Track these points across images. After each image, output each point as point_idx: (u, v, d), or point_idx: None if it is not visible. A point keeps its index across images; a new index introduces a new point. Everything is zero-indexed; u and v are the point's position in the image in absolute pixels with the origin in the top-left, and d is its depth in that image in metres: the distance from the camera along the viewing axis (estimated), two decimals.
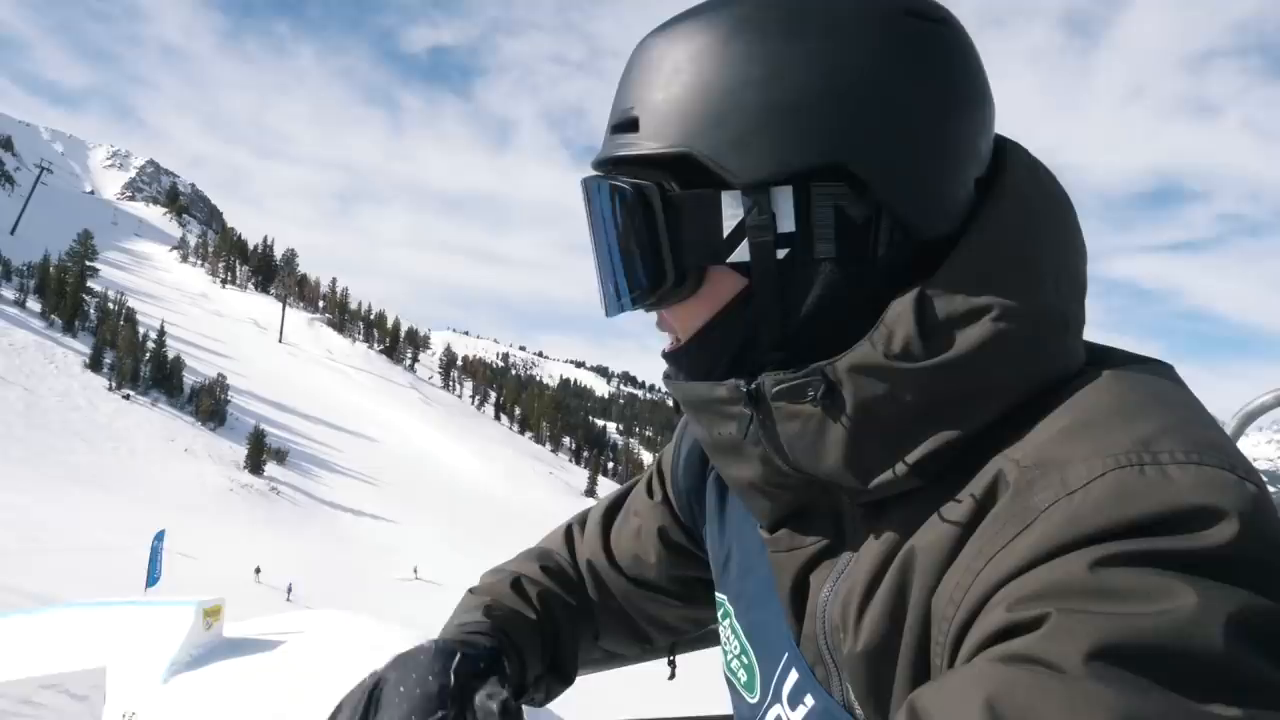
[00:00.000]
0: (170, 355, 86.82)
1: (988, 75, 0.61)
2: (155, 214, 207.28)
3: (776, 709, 0.69)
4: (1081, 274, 0.60)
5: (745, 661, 0.75)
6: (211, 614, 18.68)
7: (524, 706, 0.77)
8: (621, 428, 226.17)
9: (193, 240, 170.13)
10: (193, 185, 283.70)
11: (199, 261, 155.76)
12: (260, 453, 72.29)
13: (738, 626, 0.77)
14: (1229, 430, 1.48)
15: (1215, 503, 0.45)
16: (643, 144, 0.61)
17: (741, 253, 0.59)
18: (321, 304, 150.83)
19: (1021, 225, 0.58)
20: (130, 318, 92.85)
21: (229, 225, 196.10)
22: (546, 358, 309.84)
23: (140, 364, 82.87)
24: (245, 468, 71.22)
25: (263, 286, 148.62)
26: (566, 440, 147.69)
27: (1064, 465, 0.49)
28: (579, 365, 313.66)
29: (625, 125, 0.62)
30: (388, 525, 67.67)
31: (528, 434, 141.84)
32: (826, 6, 0.58)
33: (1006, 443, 0.54)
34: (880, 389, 0.55)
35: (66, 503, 47.11)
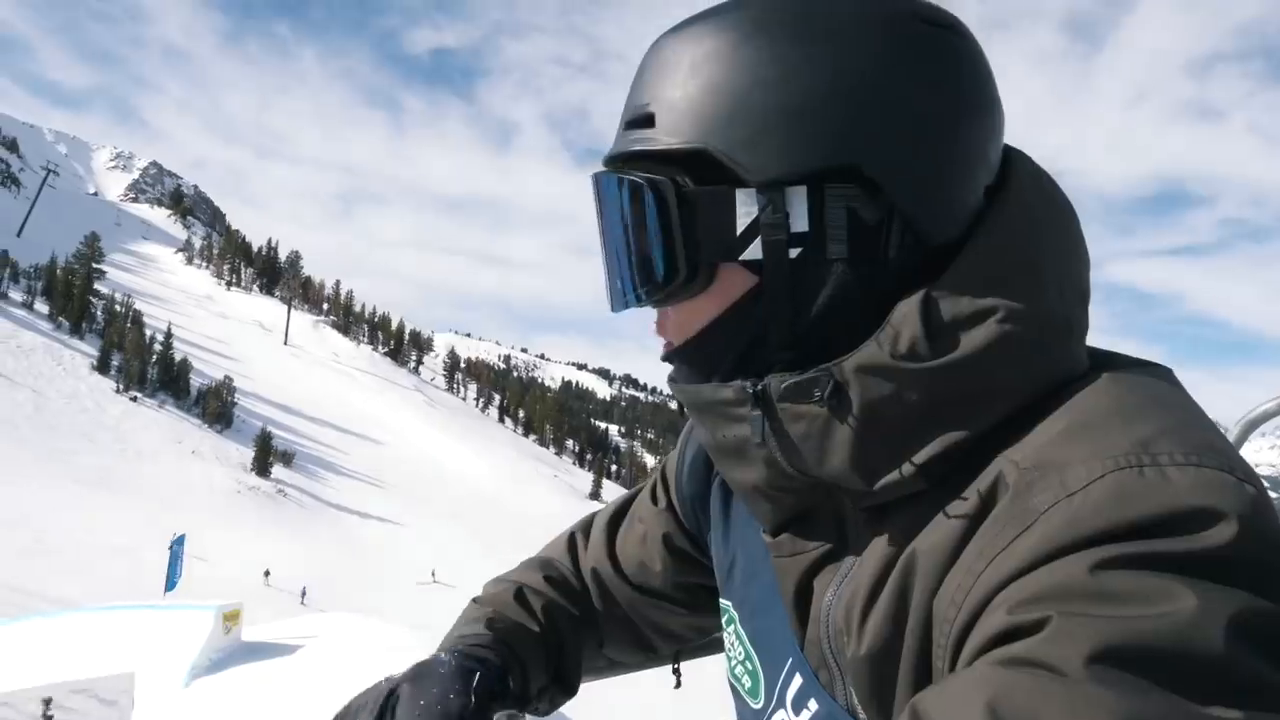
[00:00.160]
0: (177, 358, 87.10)
1: (996, 82, 0.62)
2: (160, 216, 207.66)
3: (781, 714, 0.69)
4: (1084, 281, 0.61)
5: (749, 667, 0.75)
6: (230, 618, 18.87)
7: (528, 718, 0.77)
8: (623, 430, 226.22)
9: (197, 242, 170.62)
10: (195, 187, 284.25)
11: (204, 264, 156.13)
12: (267, 455, 72.50)
13: (742, 632, 0.77)
14: (1232, 437, 1.61)
15: (1214, 504, 0.45)
16: (659, 139, 0.61)
17: (754, 251, 0.60)
18: (326, 306, 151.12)
19: (1026, 231, 0.59)
20: (137, 320, 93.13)
21: (233, 228, 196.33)
22: (548, 360, 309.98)
23: (147, 366, 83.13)
24: (252, 470, 71.44)
25: (267, 289, 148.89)
26: (570, 443, 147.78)
27: (1063, 467, 0.49)
28: (580, 367, 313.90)
29: (640, 121, 0.63)
30: (394, 528, 67.84)
31: (531, 436, 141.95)
32: (842, 11, 0.59)
33: (1008, 446, 0.54)
34: (886, 389, 0.56)
35: (75, 504, 47.29)
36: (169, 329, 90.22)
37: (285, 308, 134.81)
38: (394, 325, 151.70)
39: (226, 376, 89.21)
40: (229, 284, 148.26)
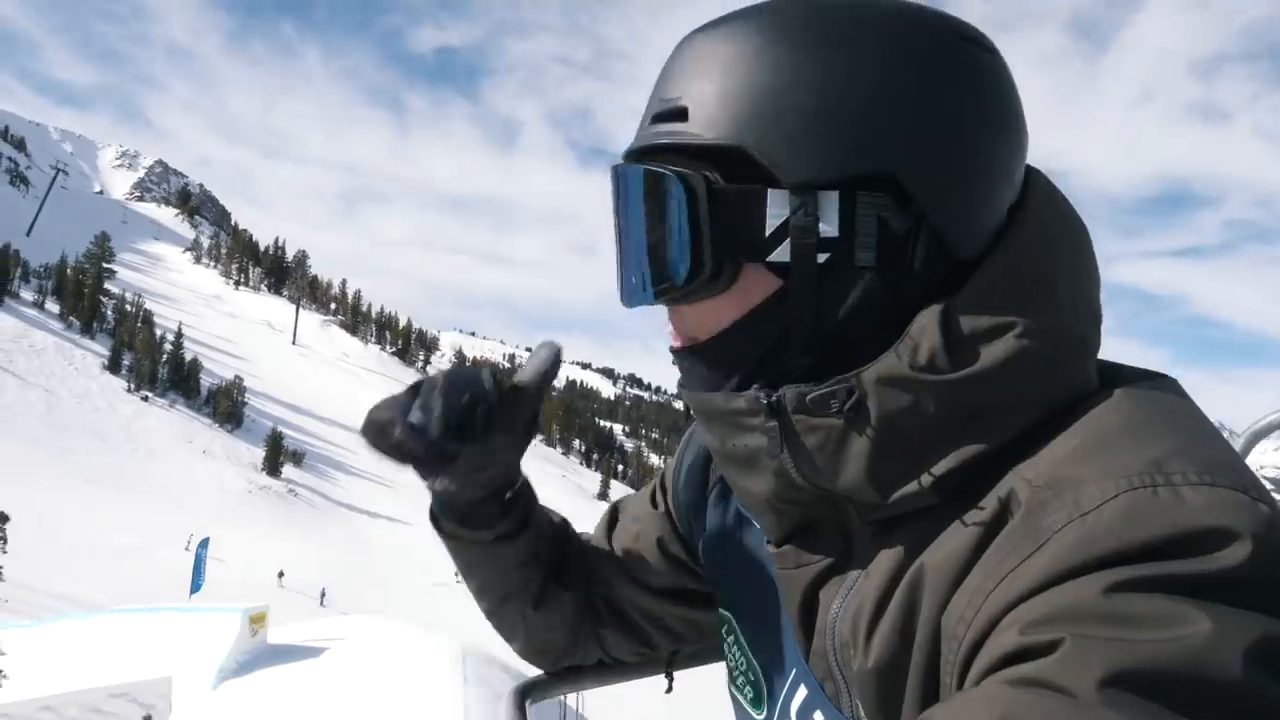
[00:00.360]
0: (187, 357, 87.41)
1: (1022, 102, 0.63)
2: (167, 215, 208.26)
3: None
4: (1096, 300, 0.62)
5: (751, 678, 0.75)
6: (257, 621, 19.10)
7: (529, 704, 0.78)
8: (628, 429, 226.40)
9: (205, 242, 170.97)
10: (201, 185, 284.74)
11: (212, 263, 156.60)
12: (278, 455, 72.84)
13: (744, 642, 0.77)
14: (1237, 447, 1.63)
15: (1228, 524, 0.45)
16: (693, 133, 0.60)
17: (782, 253, 0.59)
18: (334, 306, 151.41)
19: (1043, 249, 0.59)
20: (148, 320, 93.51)
21: (240, 227, 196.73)
22: None
23: (158, 366, 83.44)
24: (263, 469, 71.83)
25: (275, 288, 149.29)
26: (577, 443, 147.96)
27: (1077, 486, 0.49)
28: (585, 366, 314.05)
29: (670, 115, 0.62)
30: (404, 527, 68.01)
31: (538, 436, 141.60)
32: (883, 21, 0.59)
33: (1021, 462, 0.54)
34: (905, 401, 0.56)
35: (88, 504, 47.55)
36: (179, 329, 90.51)
37: (293, 307, 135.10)
38: (401, 325, 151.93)
39: (237, 376, 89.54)
40: (237, 283, 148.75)
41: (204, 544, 25.34)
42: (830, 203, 0.58)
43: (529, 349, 0.86)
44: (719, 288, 0.62)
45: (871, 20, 0.59)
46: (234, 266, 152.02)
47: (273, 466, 72.17)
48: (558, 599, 0.92)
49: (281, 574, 40.97)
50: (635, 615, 0.95)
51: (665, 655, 1.02)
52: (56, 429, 65.99)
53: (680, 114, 0.61)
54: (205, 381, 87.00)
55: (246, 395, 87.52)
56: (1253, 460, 1.56)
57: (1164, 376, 0.60)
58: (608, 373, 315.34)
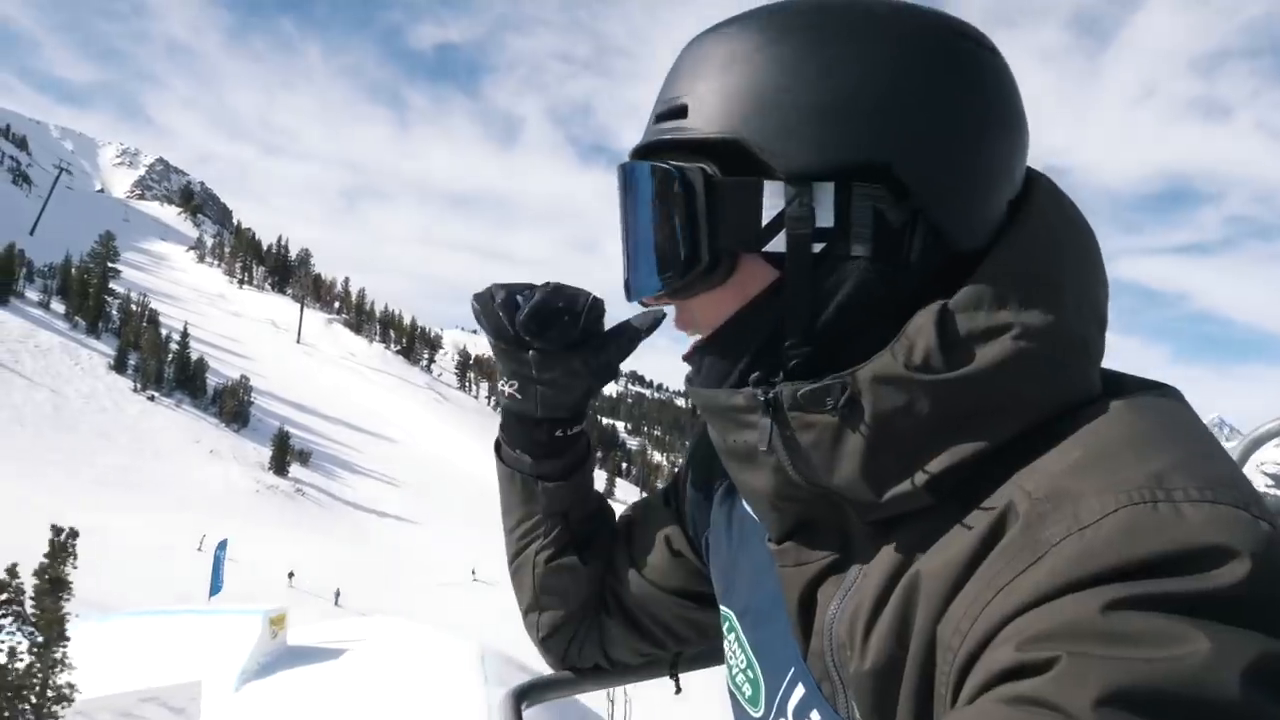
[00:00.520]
0: (193, 357, 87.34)
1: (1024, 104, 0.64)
2: (169, 213, 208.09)
3: None
4: (1103, 305, 0.61)
5: (750, 676, 0.75)
6: (276, 623, 19.06)
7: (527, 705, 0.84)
8: (629, 427, 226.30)
9: (209, 240, 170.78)
10: (202, 184, 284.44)
11: (216, 262, 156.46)
12: (285, 454, 72.75)
13: (744, 640, 0.77)
14: (1236, 450, 1.58)
15: (1227, 542, 0.44)
16: (691, 128, 0.61)
17: (777, 244, 0.60)
18: (338, 304, 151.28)
19: (1048, 249, 0.59)
20: (153, 319, 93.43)
21: (243, 225, 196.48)
22: None
23: (164, 365, 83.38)
24: (270, 469, 71.72)
25: (279, 287, 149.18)
26: None
27: (1077, 499, 0.49)
28: None
29: (672, 113, 0.63)
30: (411, 526, 68.05)
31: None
32: (880, 18, 0.60)
33: (1020, 468, 0.54)
34: (900, 400, 0.56)
35: (97, 504, 47.52)
36: (185, 328, 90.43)
37: (298, 306, 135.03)
38: (408, 323, 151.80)
39: (243, 375, 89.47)
40: (241, 282, 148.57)
41: (221, 546, 25.35)
42: (826, 194, 0.58)
43: None
44: (717, 279, 0.63)
45: (871, 19, 0.60)
46: (238, 265, 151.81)
47: (280, 466, 72.08)
48: (574, 568, 0.94)
49: (291, 574, 40.86)
50: (639, 611, 0.95)
51: (668, 657, 1.03)
52: (64, 429, 65.97)
53: (681, 112, 0.62)
54: (211, 381, 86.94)
55: (252, 395, 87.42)
56: (1254, 457, 1.57)
57: (1167, 387, 0.60)
58: None
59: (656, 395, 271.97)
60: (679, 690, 1.04)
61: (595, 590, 0.96)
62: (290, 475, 72.46)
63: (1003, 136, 0.60)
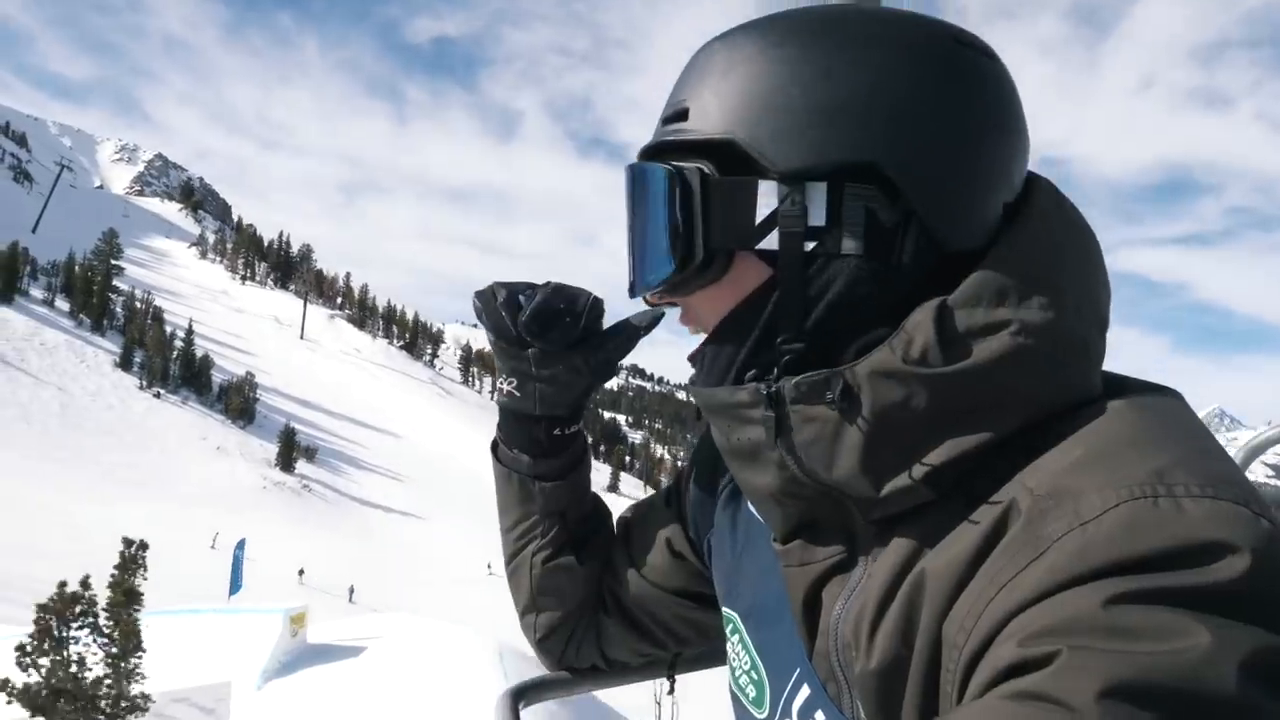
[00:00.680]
0: (198, 354, 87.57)
1: (1024, 110, 0.64)
2: (170, 210, 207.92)
3: None
4: (1104, 307, 0.62)
5: (755, 677, 0.76)
6: (297, 621, 19.34)
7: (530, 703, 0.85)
8: (630, 420, 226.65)
9: (210, 237, 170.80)
10: (201, 179, 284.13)
11: (217, 258, 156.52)
12: (291, 450, 73.08)
13: (749, 640, 0.77)
14: (1239, 459, 1.65)
15: (1227, 537, 0.45)
16: (690, 130, 0.63)
17: (770, 241, 0.61)
18: (340, 300, 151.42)
19: (1048, 249, 0.60)
20: (158, 316, 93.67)
21: (245, 222, 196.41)
22: None
23: (169, 363, 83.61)
24: (277, 465, 72.06)
25: (281, 283, 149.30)
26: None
27: (1078, 495, 0.49)
28: None
29: (676, 116, 0.65)
30: (418, 521, 68.39)
31: None
32: (877, 24, 0.62)
33: (1021, 465, 0.54)
34: (898, 394, 0.57)
35: (107, 502, 47.85)
36: (190, 325, 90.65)
37: (300, 302, 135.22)
38: (409, 318, 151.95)
39: (249, 372, 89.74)
40: (243, 278, 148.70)
41: (240, 545, 25.66)
42: (818, 193, 0.59)
43: None
44: (713, 276, 0.64)
45: (871, 25, 0.62)
46: (240, 261, 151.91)
47: (286, 462, 72.45)
48: (571, 568, 0.94)
49: (302, 571, 41.11)
50: (638, 610, 0.96)
51: (667, 658, 1.04)
52: (71, 427, 66.26)
53: (684, 114, 0.65)
54: (216, 378, 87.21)
55: (258, 391, 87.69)
56: (1254, 444, 1.62)
57: (1168, 389, 0.61)
58: None
59: (657, 388, 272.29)
60: (672, 690, 1.05)
61: (592, 591, 0.97)
62: (297, 471, 72.78)
63: (999, 140, 0.61)
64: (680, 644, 0.98)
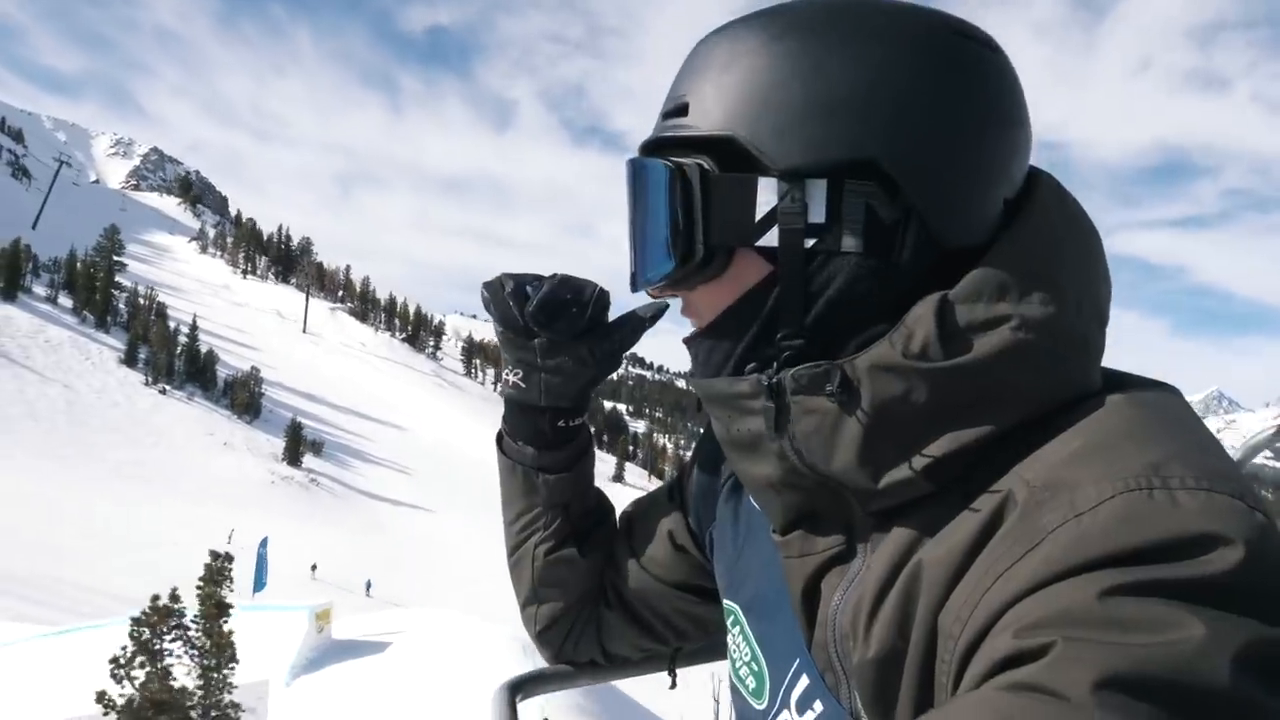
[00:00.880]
0: (203, 349, 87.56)
1: (1027, 104, 0.63)
2: (169, 204, 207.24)
3: (785, 715, 0.70)
4: (1104, 303, 0.62)
5: (755, 669, 0.76)
6: (322, 617, 19.51)
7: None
8: (631, 409, 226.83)
9: (210, 231, 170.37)
10: (197, 172, 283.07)
11: (218, 253, 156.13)
12: (298, 445, 73.11)
13: (749, 632, 0.77)
14: (1236, 458, 1.68)
15: (1221, 530, 0.45)
16: (690, 126, 0.63)
17: (770, 238, 0.61)
18: (340, 293, 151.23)
19: (1049, 245, 0.59)
20: (161, 312, 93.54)
21: (244, 216, 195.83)
22: None
23: (174, 358, 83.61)
24: (283, 460, 72.09)
25: (282, 276, 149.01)
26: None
27: (1074, 487, 0.50)
28: None
29: (676, 111, 0.65)
30: (426, 514, 68.57)
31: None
32: (877, 18, 0.61)
33: (1019, 459, 0.55)
34: (897, 387, 0.57)
35: (116, 499, 47.86)
36: (194, 320, 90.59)
37: (303, 295, 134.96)
38: (411, 311, 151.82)
39: (254, 367, 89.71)
40: (245, 273, 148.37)
41: (264, 543, 25.80)
42: (818, 190, 0.59)
43: None
44: (713, 273, 0.64)
45: (871, 19, 0.61)
46: (240, 256, 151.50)
47: (293, 456, 72.45)
48: (572, 560, 0.95)
49: (315, 567, 41.20)
50: (640, 604, 0.96)
51: (667, 653, 1.03)
52: (78, 424, 66.27)
53: (683, 109, 0.64)
54: (221, 373, 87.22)
55: (263, 386, 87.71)
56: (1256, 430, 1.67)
57: (1167, 385, 0.61)
58: None
59: (657, 377, 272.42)
60: (674, 685, 1.05)
61: (594, 584, 0.97)
62: (304, 465, 72.86)
63: (1000, 135, 0.61)
64: (680, 638, 0.99)
